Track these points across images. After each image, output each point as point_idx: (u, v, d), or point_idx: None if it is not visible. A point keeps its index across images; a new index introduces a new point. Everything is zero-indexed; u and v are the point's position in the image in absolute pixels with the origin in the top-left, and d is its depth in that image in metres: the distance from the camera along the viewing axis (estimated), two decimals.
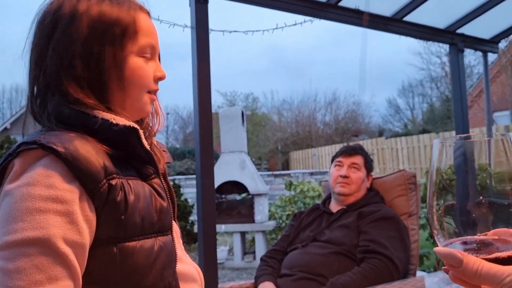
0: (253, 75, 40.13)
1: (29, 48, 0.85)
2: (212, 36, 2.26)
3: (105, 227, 0.75)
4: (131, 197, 0.78)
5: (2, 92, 27.54)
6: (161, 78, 0.90)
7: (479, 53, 3.85)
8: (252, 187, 5.98)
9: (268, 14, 18.25)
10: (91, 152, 0.75)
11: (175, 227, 0.91)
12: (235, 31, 2.75)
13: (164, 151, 0.95)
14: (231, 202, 6.10)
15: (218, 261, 3.78)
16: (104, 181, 0.75)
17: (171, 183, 0.93)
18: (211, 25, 2.25)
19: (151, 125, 0.96)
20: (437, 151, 0.53)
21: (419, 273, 2.03)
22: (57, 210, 0.70)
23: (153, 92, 0.90)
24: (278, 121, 20.81)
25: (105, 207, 0.75)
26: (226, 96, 20.36)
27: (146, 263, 0.78)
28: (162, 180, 0.88)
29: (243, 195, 6.05)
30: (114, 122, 0.80)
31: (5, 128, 21.92)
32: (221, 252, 5.87)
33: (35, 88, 0.85)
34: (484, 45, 3.58)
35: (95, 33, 0.81)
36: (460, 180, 0.52)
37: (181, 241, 0.95)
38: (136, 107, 0.87)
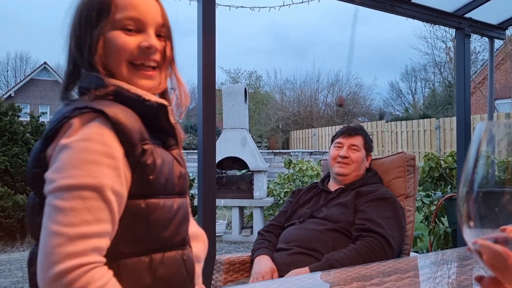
0: (257, 53, 39.77)
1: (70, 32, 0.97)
2: (217, 11, 2.25)
3: (136, 184, 0.87)
4: (159, 161, 0.89)
5: (6, 60, 27.34)
6: (148, 48, 0.93)
7: (485, 40, 3.84)
8: (252, 164, 6.01)
9: None
10: (131, 119, 0.87)
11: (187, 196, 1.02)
12: (241, 7, 2.72)
13: None
14: (231, 177, 6.14)
15: (216, 234, 3.84)
16: (139, 145, 0.87)
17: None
18: None
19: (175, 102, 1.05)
20: (478, 136, 0.50)
21: (412, 254, 2.07)
22: (109, 164, 0.83)
23: (140, 63, 0.94)
24: (280, 100, 20.73)
25: (137, 167, 0.87)
26: (230, 73, 20.25)
27: (166, 218, 0.90)
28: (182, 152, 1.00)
29: (243, 171, 6.09)
30: (147, 98, 0.92)
31: (10, 96, 21.82)
32: (220, 226, 5.95)
33: (78, 66, 0.96)
34: (491, 30, 3.55)
35: (81, 18, 0.94)
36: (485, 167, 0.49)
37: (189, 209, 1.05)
38: (122, 79, 0.93)
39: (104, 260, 0.82)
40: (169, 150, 0.96)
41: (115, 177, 0.83)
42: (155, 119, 0.93)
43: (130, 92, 0.91)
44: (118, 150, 0.84)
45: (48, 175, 0.82)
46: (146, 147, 0.88)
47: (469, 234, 0.50)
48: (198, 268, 1.03)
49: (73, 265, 0.77)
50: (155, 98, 0.93)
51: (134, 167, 0.86)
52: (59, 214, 0.79)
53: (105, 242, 0.82)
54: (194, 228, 1.03)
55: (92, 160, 0.81)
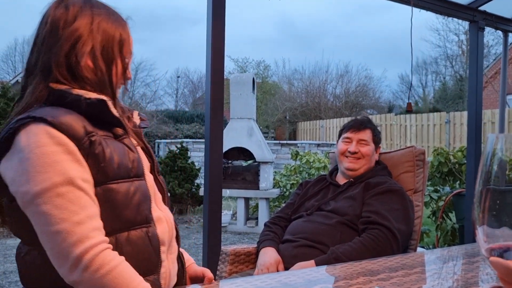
0: (265, 43, 39.59)
1: (32, 39, 1.06)
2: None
3: (91, 172, 0.96)
4: (108, 150, 0.99)
5: (14, 45, 27.43)
6: (130, 78, 1.14)
7: (498, 33, 3.77)
8: (258, 155, 6.00)
9: None
10: (72, 118, 0.96)
11: (149, 179, 1.10)
12: None
13: (143, 119, 1.22)
14: (237, 168, 6.14)
15: (221, 225, 3.83)
16: (86, 138, 0.96)
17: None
18: None
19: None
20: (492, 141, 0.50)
21: (418, 250, 2.05)
22: (69, 159, 0.92)
23: (120, 84, 1.14)
24: (288, 91, 20.63)
25: (88, 157, 0.96)
26: (238, 62, 20.18)
27: (124, 200, 0.99)
28: (134, 140, 1.12)
29: (249, 162, 6.09)
30: (87, 96, 1.01)
31: (17, 81, 21.98)
32: (225, 216, 5.97)
33: (29, 75, 1.06)
34: (506, 24, 3.49)
35: (98, 44, 1.06)
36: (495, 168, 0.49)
37: (159, 195, 1.14)
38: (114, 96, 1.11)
39: (106, 238, 0.93)
40: (120, 139, 1.06)
41: (79, 167, 0.93)
42: (100, 113, 1.02)
43: (72, 94, 1.01)
44: (71, 144, 0.93)
45: (19, 189, 0.90)
46: (93, 138, 0.97)
47: (484, 234, 0.49)
48: (174, 245, 1.12)
49: (82, 250, 0.87)
50: (95, 95, 1.03)
51: (86, 158, 0.95)
52: (48, 217, 0.87)
53: (98, 222, 0.93)
54: (156, 213, 1.08)
55: (53, 161, 0.89)
